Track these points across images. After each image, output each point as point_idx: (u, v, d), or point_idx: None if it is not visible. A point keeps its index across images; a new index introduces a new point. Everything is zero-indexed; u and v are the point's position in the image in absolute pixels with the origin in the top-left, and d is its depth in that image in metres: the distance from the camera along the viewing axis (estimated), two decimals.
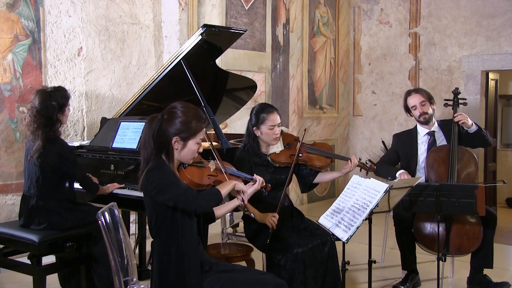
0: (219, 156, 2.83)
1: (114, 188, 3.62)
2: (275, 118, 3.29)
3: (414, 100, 3.92)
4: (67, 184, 3.45)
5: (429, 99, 3.92)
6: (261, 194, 2.97)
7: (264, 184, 2.80)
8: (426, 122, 3.92)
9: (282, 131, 3.41)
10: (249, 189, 2.70)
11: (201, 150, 2.53)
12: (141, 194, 3.55)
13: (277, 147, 3.36)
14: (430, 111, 3.90)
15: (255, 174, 2.84)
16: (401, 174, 3.76)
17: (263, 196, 3.12)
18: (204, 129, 2.50)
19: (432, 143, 3.90)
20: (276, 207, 3.22)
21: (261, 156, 3.34)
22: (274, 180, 3.28)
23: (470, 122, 3.75)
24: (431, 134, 3.93)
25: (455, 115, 3.79)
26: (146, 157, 2.40)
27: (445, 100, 4.01)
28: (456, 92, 3.96)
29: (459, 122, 3.73)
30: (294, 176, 3.50)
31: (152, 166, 2.37)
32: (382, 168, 3.96)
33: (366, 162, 3.38)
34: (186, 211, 2.39)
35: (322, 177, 3.47)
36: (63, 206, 3.40)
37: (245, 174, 2.86)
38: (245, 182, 2.77)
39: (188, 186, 2.48)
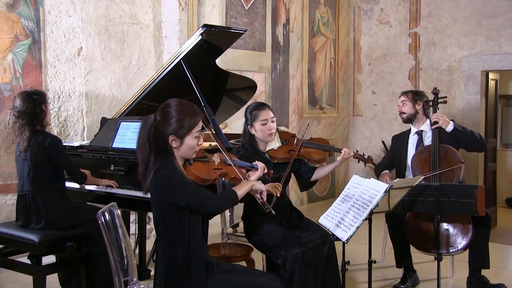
0: (224, 148, 2.84)
1: (109, 183, 3.65)
2: (267, 113, 3.32)
3: (399, 101, 4.05)
4: (59, 176, 3.49)
5: (414, 99, 3.97)
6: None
7: (266, 170, 2.86)
8: (406, 121, 4.02)
9: (278, 129, 3.43)
10: (253, 177, 2.75)
11: (201, 143, 2.51)
12: (140, 194, 3.57)
13: (275, 144, 3.38)
14: (408, 110, 3.97)
15: (256, 161, 2.91)
16: (382, 175, 3.90)
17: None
18: (200, 122, 2.47)
19: (419, 143, 3.96)
20: (280, 204, 3.26)
21: (260, 154, 3.35)
22: (274, 177, 3.30)
23: (447, 120, 3.77)
24: (419, 133, 3.98)
25: (432, 115, 3.82)
26: (143, 159, 2.38)
27: (425, 101, 4.03)
28: (435, 92, 3.99)
29: (433, 123, 3.77)
30: (293, 175, 3.51)
31: (160, 165, 2.36)
32: (377, 170, 4.12)
33: (363, 154, 3.45)
34: (199, 211, 2.40)
35: (320, 172, 3.49)
36: (61, 199, 3.43)
37: (247, 163, 2.92)
38: (248, 170, 2.83)
39: (201, 187, 2.48)
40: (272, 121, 3.33)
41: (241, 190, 2.52)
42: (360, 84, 7.75)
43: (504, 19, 6.32)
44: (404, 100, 3.98)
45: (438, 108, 3.93)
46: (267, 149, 3.38)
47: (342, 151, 3.39)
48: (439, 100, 3.94)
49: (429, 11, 6.93)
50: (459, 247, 3.57)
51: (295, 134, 3.55)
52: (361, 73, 7.73)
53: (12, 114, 3.40)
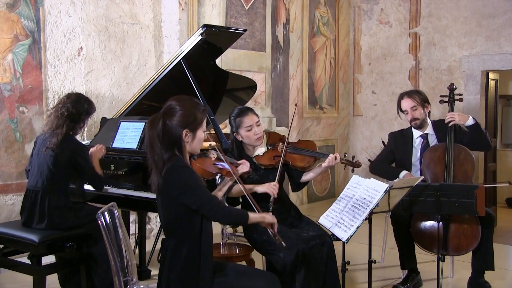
0: (218, 144, 2.86)
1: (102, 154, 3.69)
2: (251, 118, 3.26)
3: (405, 104, 3.88)
4: (75, 182, 3.56)
5: (422, 103, 3.86)
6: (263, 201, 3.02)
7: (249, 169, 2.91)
8: (418, 127, 3.91)
9: (267, 131, 3.41)
10: (240, 173, 2.83)
11: (205, 137, 2.55)
12: (140, 194, 3.57)
13: (260, 149, 3.35)
14: (421, 116, 3.86)
15: (242, 160, 2.97)
16: (405, 175, 3.77)
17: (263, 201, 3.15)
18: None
19: (425, 146, 3.89)
20: (280, 204, 3.27)
21: (248, 160, 3.32)
22: (263, 182, 3.28)
23: (465, 118, 3.70)
24: (424, 137, 3.92)
25: (446, 115, 3.78)
26: (156, 159, 2.36)
27: (440, 96, 3.98)
28: (451, 88, 3.94)
29: (449, 122, 3.71)
30: (286, 176, 3.49)
31: (174, 164, 2.35)
32: (381, 167, 3.99)
33: (352, 158, 3.31)
34: (207, 218, 2.39)
35: (306, 177, 3.42)
36: (66, 204, 3.44)
37: (235, 160, 2.96)
38: (236, 166, 2.86)
39: (214, 195, 2.46)
40: (258, 125, 3.27)
41: (253, 217, 2.50)
42: (360, 84, 7.75)
43: (504, 19, 6.32)
44: (414, 106, 3.82)
45: (454, 104, 3.85)
46: (254, 155, 3.34)
47: (329, 157, 3.23)
48: (455, 97, 3.87)
49: (429, 11, 6.93)
50: (469, 249, 3.56)
51: (283, 136, 3.47)
52: (361, 73, 7.73)
53: (60, 107, 3.44)
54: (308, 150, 3.36)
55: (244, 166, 2.89)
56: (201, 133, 2.47)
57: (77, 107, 3.46)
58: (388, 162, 4.03)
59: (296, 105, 3.82)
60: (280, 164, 3.25)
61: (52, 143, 3.36)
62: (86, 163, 3.46)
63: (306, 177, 3.41)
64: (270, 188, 3.09)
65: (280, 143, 3.37)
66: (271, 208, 3.06)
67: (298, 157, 3.32)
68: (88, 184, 3.55)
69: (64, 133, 3.40)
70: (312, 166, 3.37)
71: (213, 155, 2.82)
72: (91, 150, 3.61)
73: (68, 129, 3.43)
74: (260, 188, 3.12)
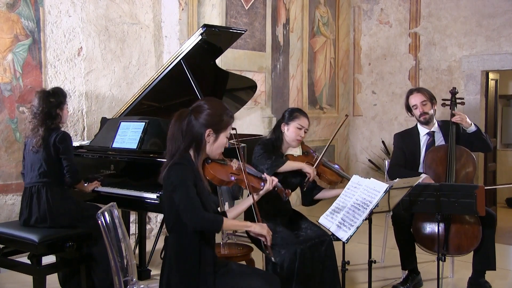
0: (241, 156, 2.83)
1: (93, 187, 3.71)
2: (305, 122, 3.37)
3: (415, 99, 3.93)
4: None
5: (431, 99, 3.92)
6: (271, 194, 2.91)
7: (279, 187, 2.84)
8: (426, 123, 3.93)
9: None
10: (262, 190, 2.74)
11: (227, 145, 2.54)
12: (140, 194, 3.57)
13: (296, 151, 3.42)
14: (430, 111, 3.91)
15: (265, 174, 2.83)
16: (424, 179, 3.68)
17: (274, 198, 3.09)
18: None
19: (431, 144, 3.90)
20: (280, 204, 3.27)
21: (279, 153, 3.39)
22: (285, 181, 3.27)
23: (469, 121, 3.75)
24: (431, 134, 3.94)
25: (453, 112, 3.79)
26: (173, 151, 2.39)
27: (443, 100, 4.00)
28: (453, 92, 3.95)
29: (456, 121, 3.73)
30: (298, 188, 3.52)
31: (175, 161, 2.36)
32: (401, 172, 3.85)
33: None
34: (182, 218, 2.34)
35: (326, 193, 3.50)
36: (64, 194, 3.46)
37: (258, 173, 2.86)
38: (261, 179, 2.79)
39: (197, 199, 2.37)
40: (305, 131, 3.38)
41: (232, 224, 2.47)
42: (360, 84, 7.75)
43: (504, 19, 6.32)
44: (424, 100, 3.89)
45: (456, 108, 3.89)
46: (287, 153, 3.41)
47: None
48: (457, 101, 3.91)
49: (429, 11, 6.93)
50: (470, 250, 3.56)
51: (315, 151, 3.59)
52: (361, 73, 7.73)
53: (30, 114, 3.55)
54: (339, 170, 3.48)
55: (268, 185, 2.76)
56: (223, 138, 2.47)
57: (42, 108, 3.46)
58: (403, 164, 3.97)
59: (346, 115, 3.86)
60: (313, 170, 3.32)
61: (35, 143, 3.42)
62: (67, 151, 3.48)
63: (326, 193, 3.50)
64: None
65: (315, 154, 3.48)
66: (305, 188, 3.33)
67: (329, 171, 3.44)
68: (65, 172, 3.50)
69: (46, 128, 3.44)
70: (337, 185, 3.50)
71: (235, 164, 2.75)
72: (90, 185, 3.71)
73: (47, 126, 3.46)
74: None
